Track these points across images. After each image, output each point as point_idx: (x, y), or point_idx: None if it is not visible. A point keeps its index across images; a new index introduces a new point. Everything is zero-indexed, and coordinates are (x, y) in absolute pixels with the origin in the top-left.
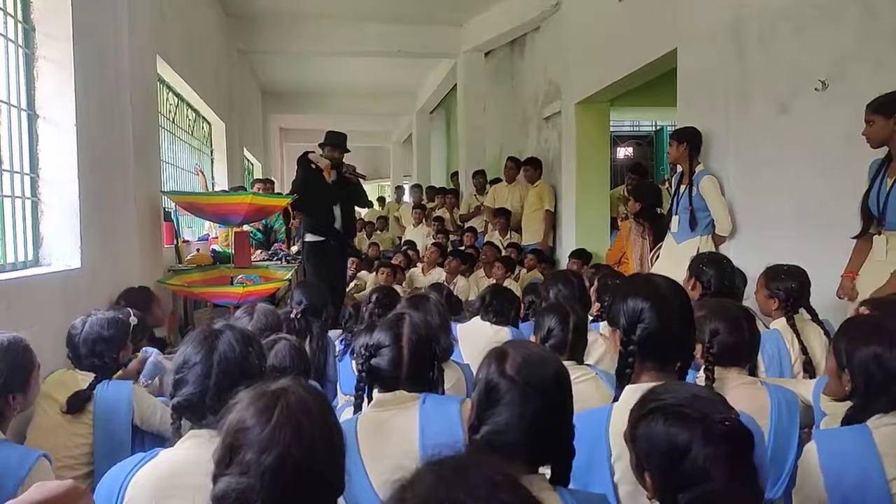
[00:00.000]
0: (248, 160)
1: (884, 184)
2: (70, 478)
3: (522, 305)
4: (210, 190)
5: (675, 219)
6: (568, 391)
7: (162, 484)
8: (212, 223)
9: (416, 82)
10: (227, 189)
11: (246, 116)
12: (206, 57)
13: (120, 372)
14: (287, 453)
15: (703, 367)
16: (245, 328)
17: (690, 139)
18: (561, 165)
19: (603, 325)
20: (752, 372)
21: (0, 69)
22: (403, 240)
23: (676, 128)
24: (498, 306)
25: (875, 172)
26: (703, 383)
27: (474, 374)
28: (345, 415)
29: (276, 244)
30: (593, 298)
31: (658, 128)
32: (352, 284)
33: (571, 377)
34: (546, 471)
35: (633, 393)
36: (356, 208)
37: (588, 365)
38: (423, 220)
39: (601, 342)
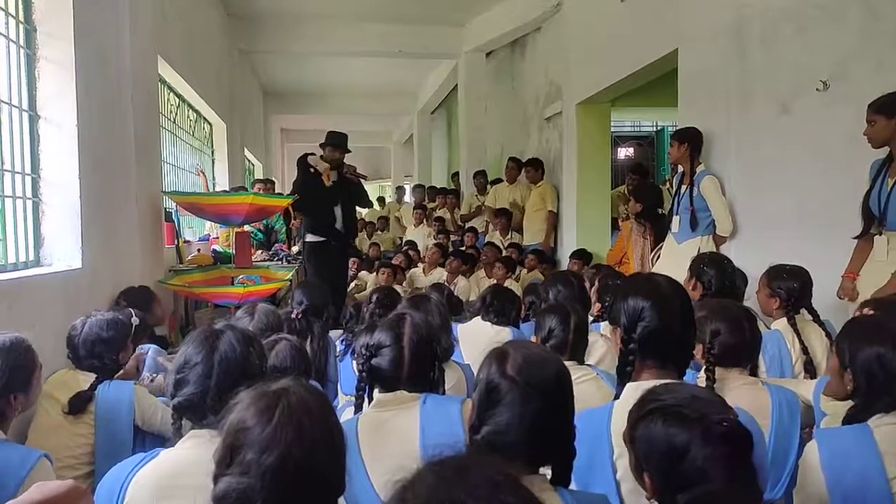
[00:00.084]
0: (249, 160)
1: (885, 184)
2: (71, 478)
3: (523, 306)
4: (211, 190)
5: (675, 219)
6: (569, 391)
7: (163, 484)
8: (213, 223)
9: (417, 82)
10: (227, 189)
11: (247, 117)
12: (208, 57)
13: (120, 372)
14: (288, 453)
15: (704, 367)
16: (246, 328)
17: (691, 139)
18: (562, 166)
19: (604, 326)
20: (753, 372)
21: (1, 69)
22: (404, 240)
23: (677, 128)
24: (499, 306)
25: (876, 173)
26: (703, 384)
27: (475, 374)
28: (345, 415)
29: (276, 244)
30: (594, 299)
31: (659, 128)
32: (352, 285)
33: (572, 377)
34: (547, 471)
35: (633, 391)
36: (357, 208)
37: (589, 365)
38: (424, 221)
39: (601, 343)
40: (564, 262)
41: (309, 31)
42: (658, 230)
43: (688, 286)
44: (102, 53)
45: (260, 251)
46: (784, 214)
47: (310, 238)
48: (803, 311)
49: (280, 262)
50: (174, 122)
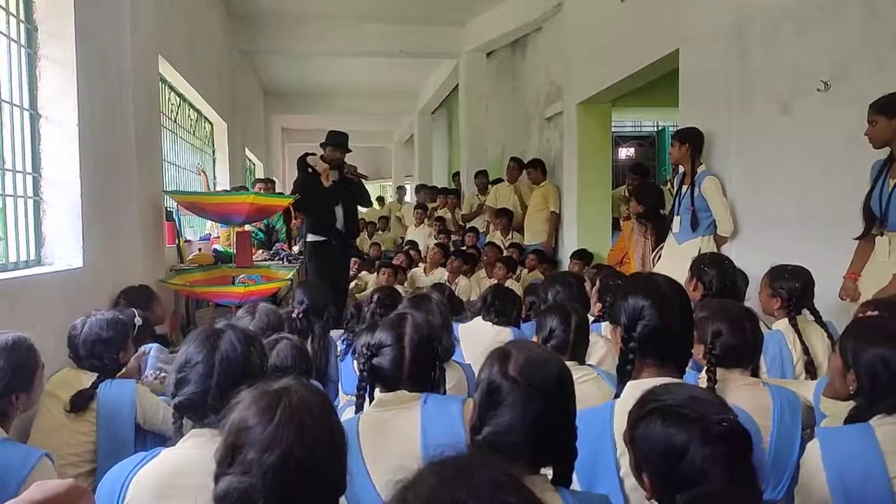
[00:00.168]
0: (249, 160)
1: (886, 184)
2: (73, 476)
3: (524, 306)
4: (212, 190)
5: (676, 219)
6: (570, 392)
7: (163, 483)
8: (214, 223)
9: (418, 82)
10: (228, 189)
11: (248, 116)
12: (209, 57)
13: (122, 371)
14: (289, 453)
15: (705, 367)
16: (247, 328)
17: (692, 140)
18: (563, 166)
19: (604, 326)
20: (754, 373)
21: (3, 69)
22: (405, 240)
23: (678, 128)
24: (500, 306)
25: (877, 173)
26: (705, 384)
27: (476, 374)
28: (346, 414)
29: (277, 244)
30: (595, 299)
31: (660, 128)
32: (352, 284)
33: (573, 377)
34: (548, 471)
35: (634, 389)
36: (359, 208)
37: (590, 365)
38: (425, 221)
39: (602, 344)
40: (565, 262)
41: (310, 31)
42: (659, 230)
43: (689, 286)
44: (103, 53)
45: (261, 251)
46: (785, 215)
47: (311, 238)
48: (805, 311)
49: (281, 262)
50: (175, 121)
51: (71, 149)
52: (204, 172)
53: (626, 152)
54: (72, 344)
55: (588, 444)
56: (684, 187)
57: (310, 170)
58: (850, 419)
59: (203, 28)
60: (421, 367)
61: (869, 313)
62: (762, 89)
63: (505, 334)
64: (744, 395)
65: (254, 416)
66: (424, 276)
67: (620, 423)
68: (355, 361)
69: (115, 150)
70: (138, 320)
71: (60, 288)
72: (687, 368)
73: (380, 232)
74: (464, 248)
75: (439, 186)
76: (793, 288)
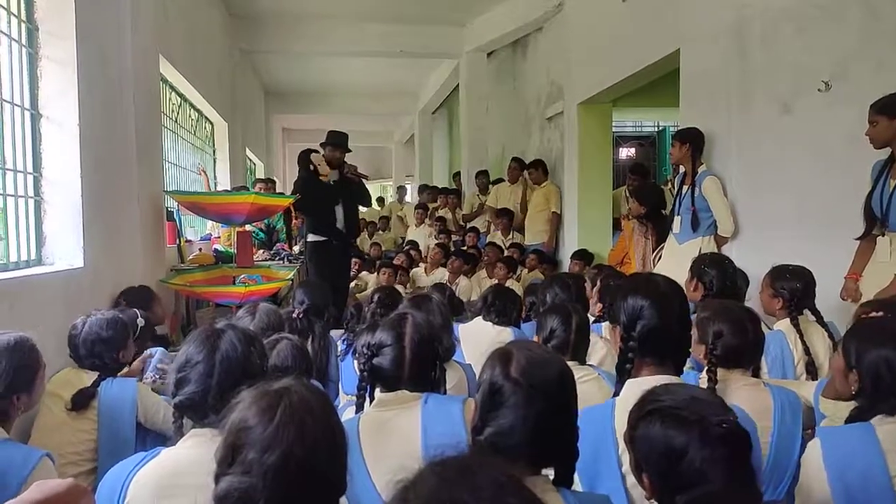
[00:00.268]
0: (250, 160)
1: (887, 185)
2: (74, 474)
3: (524, 306)
4: (212, 190)
5: (677, 219)
6: (572, 393)
7: (164, 483)
8: (214, 223)
9: (419, 82)
10: (229, 189)
11: (248, 116)
12: (209, 57)
13: (125, 370)
14: (290, 452)
15: (706, 368)
16: (247, 328)
17: (693, 140)
18: (563, 166)
19: (605, 326)
20: (755, 373)
21: (4, 68)
22: (406, 240)
23: (679, 128)
24: (500, 307)
25: (878, 173)
26: (705, 384)
27: (476, 374)
28: (347, 414)
29: (278, 244)
30: (595, 299)
31: (660, 128)
32: (352, 284)
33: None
34: (549, 472)
35: (633, 387)
36: (360, 208)
37: (590, 365)
38: (426, 221)
39: (602, 345)
40: (566, 263)
41: (310, 31)
42: (660, 230)
43: (689, 287)
44: (104, 53)
45: (261, 251)
46: (785, 215)
47: (311, 238)
48: (806, 311)
49: (281, 262)
50: (176, 121)
51: (71, 148)
52: (204, 172)
53: (626, 152)
54: (72, 343)
55: (589, 443)
56: (685, 187)
57: (311, 167)
58: (851, 419)
59: (204, 28)
60: (421, 367)
61: (873, 314)
62: (762, 89)
63: (505, 334)
64: (744, 395)
65: (254, 416)
66: (425, 276)
67: (621, 420)
68: (356, 361)
69: (116, 149)
70: (140, 321)
71: (61, 288)
72: (688, 369)
73: (380, 232)
74: (464, 248)
75: (439, 186)
76: (794, 288)
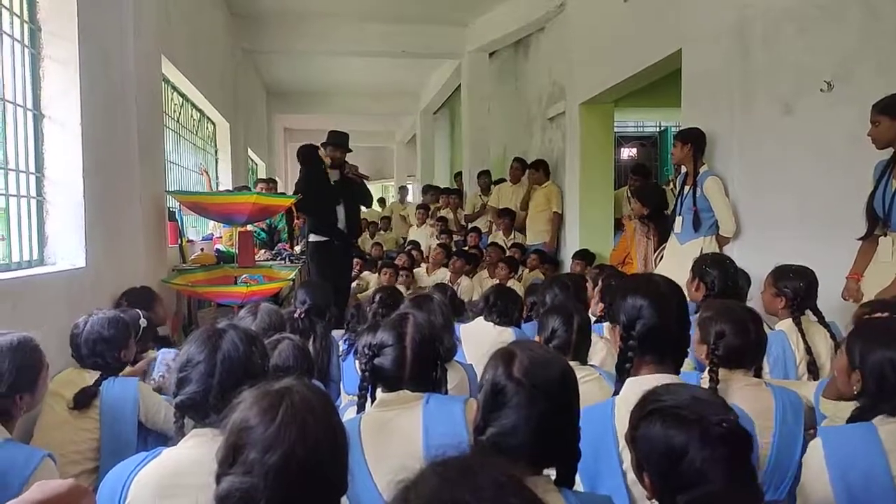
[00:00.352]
0: (252, 160)
1: (889, 185)
2: (76, 473)
3: (525, 306)
4: (214, 190)
5: (678, 219)
6: (574, 393)
7: (165, 483)
8: (216, 223)
9: (420, 82)
10: (231, 189)
11: (250, 116)
12: (211, 57)
13: (127, 370)
14: (291, 452)
15: (708, 368)
16: (248, 328)
17: (694, 140)
18: (565, 166)
19: (606, 327)
20: (757, 373)
21: (6, 69)
22: (407, 240)
23: (680, 129)
24: (502, 307)
25: (880, 173)
26: (707, 385)
27: (478, 374)
28: (348, 414)
29: (279, 244)
30: (597, 299)
31: (662, 128)
32: (354, 284)
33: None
34: (551, 472)
35: (633, 385)
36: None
37: (592, 365)
38: (427, 221)
39: (602, 345)
40: (567, 263)
41: (312, 31)
42: (662, 230)
43: (691, 287)
44: (106, 53)
45: (263, 251)
46: (787, 215)
47: (313, 238)
48: (808, 312)
49: (283, 262)
50: (178, 121)
51: (74, 149)
52: (206, 172)
53: (628, 152)
54: (74, 343)
55: (590, 442)
56: (686, 187)
57: (323, 166)
58: (853, 419)
59: (206, 28)
60: (423, 367)
61: (877, 315)
62: (764, 90)
63: (507, 335)
64: (746, 395)
65: (256, 416)
66: (427, 277)
67: (621, 418)
68: (357, 361)
69: (118, 150)
70: (143, 321)
71: (63, 288)
72: (690, 369)
73: (381, 232)
74: (466, 248)
75: (441, 186)
76: (797, 287)
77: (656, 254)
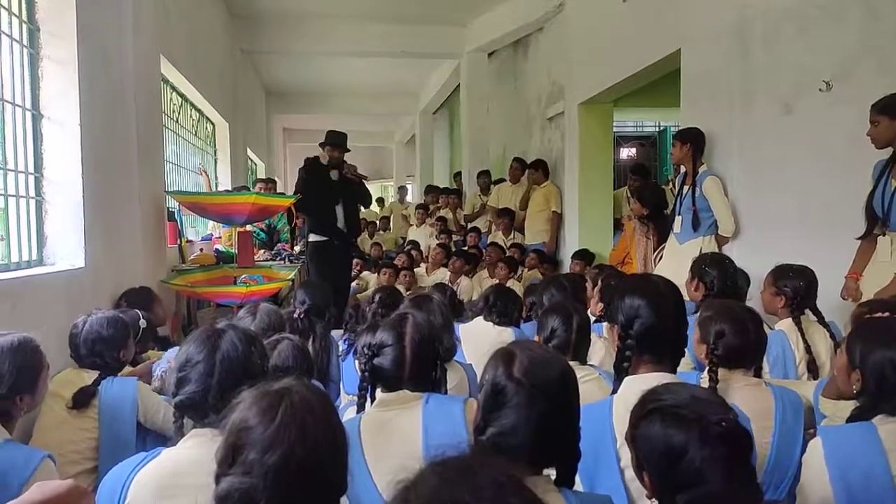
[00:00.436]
0: (251, 160)
1: (888, 185)
2: (75, 473)
3: (524, 306)
4: (213, 190)
5: (678, 219)
6: (574, 393)
7: (164, 483)
8: (215, 223)
9: (420, 82)
10: (230, 189)
11: (249, 116)
12: (211, 57)
13: (127, 370)
14: (291, 453)
15: (708, 368)
16: (248, 328)
17: (693, 140)
18: (564, 166)
19: (605, 327)
20: (757, 373)
21: (5, 69)
22: (407, 240)
23: (680, 128)
24: (501, 307)
25: (879, 173)
26: (707, 384)
27: (478, 374)
28: (348, 414)
29: (279, 244)
30: (596, 299)
31: (661, 128)
32: (353, 284)
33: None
34: (551, 472)
35: (632, 384)
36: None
37: (591, 365)
38: (426, 221)
39: (601, 345)
40: (567, 263)
41: (311, 31)
42: (661, 230)
43: (690, 287)
44: (105, 53)
45: (262, 251)
46: (786, 215)
47: (312, 238)
48: (808, 311)
49: (282, 262)
50: (177, 121)
51: (73, 149)
52: (205, 172)
53: (627, 152)
54: (73, 343)
55: (589, 440)
56: (685, 187)
57: (323, 163)
58: (853, 418)
59: (205, 28)
60: (422, 367)
61: (878, 314)
62: (764, 89)
63: (506, 335)
64: (746, 395)
65: (255, 417)
66: (426, 276)
67: (619, 416)
68: (357, 361)
69: (117, 150)
70: (143, 322)
71: (62, 288)
72: (690, 368)
73: (381, 232)
74: (465, 248)
75: (440, 186)
76: (797, 286)
77: (656, 254)
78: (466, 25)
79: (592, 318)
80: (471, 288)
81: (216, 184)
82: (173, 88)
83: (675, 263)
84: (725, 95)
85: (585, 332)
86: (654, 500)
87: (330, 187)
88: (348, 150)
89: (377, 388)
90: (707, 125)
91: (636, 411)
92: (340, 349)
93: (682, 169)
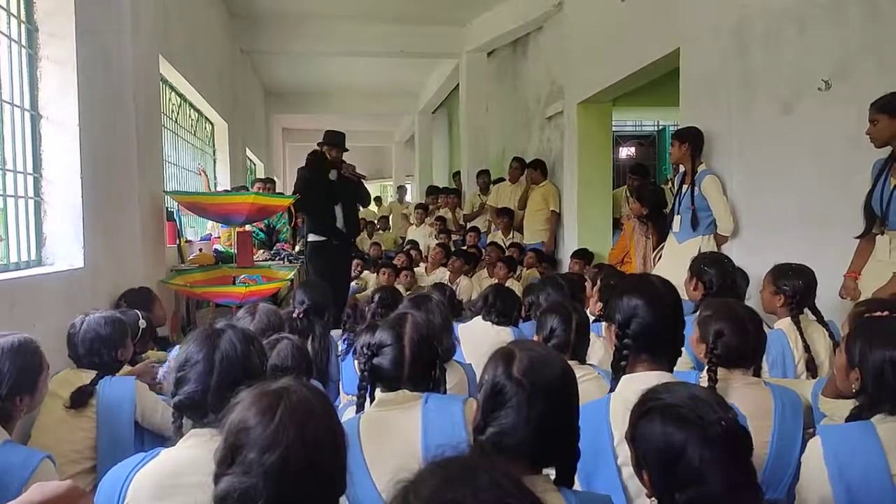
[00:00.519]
0: (250, 160)
1: (887, 184)
2: (73, 472)
3: (523, 306)
4: (213, 190)
5: (676, 218)
6: (574, 393)
7: (163, 483)
8: (214, 223)
9: (419, 82)
10: (229, 189)
11: (248, 116)
12: (210, 57)
13: (126, 369)
14: (290, 452)
15: (707, 367)
16: (247, 328)
17: (692, 139)
18: (563, 165)
19: (604, 326)
20: (756, 372)
21: (3, 69)
22: (406, 240)
23: (679, 128)
24: (501, 306)
25: (878, 172)
26: (706, 384)
27: (478, 374)
28: (347, 414)
29: (278, 244)
30: (596, 298)
31: (660, 128)
32: (352, 284)
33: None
34: (550, 471)
35: (629, 382)
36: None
37: (591, 365)
38: (426, 220)
39: (600, 344)
40: (566, 262)
41: (311, 31)
42: (660, 230)
43: (689, 286)
44: (104, 53)
45: (262, 251)
46: (785, 214)
47: (311, 237)
48: (807, 310)
49: (282, 262)
50: (176, 121)
51: (71, 149)
52: (204, 172)
53: (626, 152)
54: (71, 342)
55: (586, 438)
56: (684, 186)
57: (321, 158)
58: (852, 417)
59: (204, 28)
60: (421, 367)
61: (877, 313)
62: (763, 89)
63: (505, 334)
64: (745, 394)
65: (254, 417)
66: (426, 276)
67: (616, 414)
68: (356, 361)
69: (116, 150)
70: (143, 322)
71: (61, 288)
72: (690, 368)
73: (380, 232)
74: (465, 247)
75: (440, 186)
76: (796, 286)
77: (655, 253)
78: (466, 25)
79: (592, 318)
80: (470, 288)
81: (215, 184)
82: (172, 88)
83: (674, 263)
84: (724, 95)
85: (584, 331)
86: (653, 499)
87: (329, 187)
88: (347, 150)
89: (376, 388)
90: (706, 125)
91: (636, 410)
92: (340, 349)
93: (681, 168)
